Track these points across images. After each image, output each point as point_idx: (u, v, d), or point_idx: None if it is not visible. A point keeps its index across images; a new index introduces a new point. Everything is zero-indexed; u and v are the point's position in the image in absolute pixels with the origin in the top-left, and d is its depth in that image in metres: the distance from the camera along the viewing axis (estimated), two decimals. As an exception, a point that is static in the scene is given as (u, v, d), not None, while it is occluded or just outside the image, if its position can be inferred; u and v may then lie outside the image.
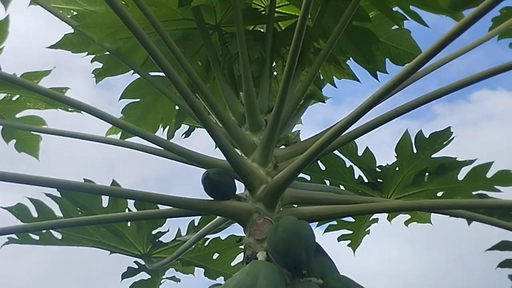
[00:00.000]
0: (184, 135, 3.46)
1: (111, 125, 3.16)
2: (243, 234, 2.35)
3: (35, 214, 2.92)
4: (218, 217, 2.86)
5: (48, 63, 3.08)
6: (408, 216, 3.30)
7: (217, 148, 2.40)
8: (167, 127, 3.29)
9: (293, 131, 2.84)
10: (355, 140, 2.89)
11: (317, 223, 3.08)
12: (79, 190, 2.71)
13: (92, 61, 3.04)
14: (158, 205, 2.65)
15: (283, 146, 2.73)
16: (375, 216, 3.27)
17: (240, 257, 3.26)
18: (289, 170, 2.28)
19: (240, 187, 2.45)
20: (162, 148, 2.74)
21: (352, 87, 3.17)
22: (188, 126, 3.45)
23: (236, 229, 2.64)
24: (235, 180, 2.43)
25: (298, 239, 2.02)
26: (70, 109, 3.13)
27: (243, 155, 2.55)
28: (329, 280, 2.09)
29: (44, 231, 2.94)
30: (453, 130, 2.86)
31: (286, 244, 2.02)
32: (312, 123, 3.68)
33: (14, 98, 3.24)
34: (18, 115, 3.31)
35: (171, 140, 3.26)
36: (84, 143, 2.87)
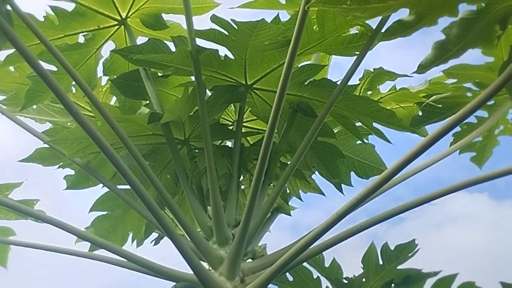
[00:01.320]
0: (153, 243, 3.47)
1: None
2: None
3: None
4: (185, 331, 2.84)
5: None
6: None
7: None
8: (136, 237, 3.30)
9: (260, 244, 2.86)
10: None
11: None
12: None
13: (63, 168, 3.10)
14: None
15: (250, 260, 2.75)
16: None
17: None
18: (256, 284, 2.31)
19: (207, 301, 2.46)
20: (130, 262, 2.74)
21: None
22: (157, 234, 3.46)
23: None
24: (203, 294, 2.43)
25: None
26: (39, 221, 3.13)
27: (210, 268, 2.56)
28: None
29: None
30: (417, 233, 2.92)
31: None
32: (281, 227, 3.71)
33: (-16, 210, 3.25)
34: (-13, 226, 3.30)
35: (139, 249, 3.29)
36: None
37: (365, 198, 2.10)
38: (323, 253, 3.00)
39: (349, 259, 3.13)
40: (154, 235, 3.42)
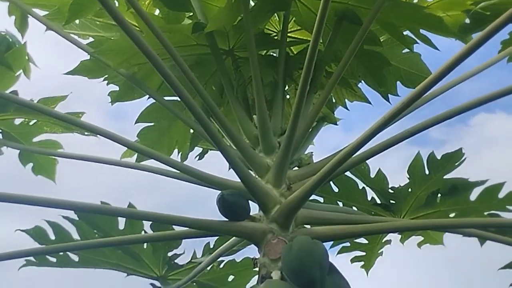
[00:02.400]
0: (197, 158, 3.50)
1: (124, 151, 3.24)
2: (258, 256, 2.37)
3: (52, 236, 2.94)
4: (233, 238, 2.88)
5: (61, 91, 3.14)
6: (420, 238, 3.32)
7: (231, 170, 2.43)
8: (181, 150, 3.34)
9: (306, 152, 2.87)
10: (368, 162, 2.93)
11: (330, 244, 3.10)
12: (96, 212, 2.75)
13: (108, 83, 3.11)
14: (174, 227, 2.69)
15: (296, 168, 2.75)
16: (388, 237, 3.29)
17: (255, 280, 3.27)
18: (302, 191, 2.31)
19: (254, 208, 2.48)
20: (177, 171, 2.78)
21: (362, 114, 3.22)
22: (201, 149, 3.49)
23: (251, 251, 2.66)
24: (249, 201, 2.46)
25: (312, 258, 2.04)
26: (86, 133, 3.17)
27: (257, 176, 2.58)
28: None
29: (61, 253, 2.97)
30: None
31: (300, 263, 2.04)
32: (323, 149, 3.71)
33: (31, 123, 3.28)
34: (35, 139, 3.35)
35: (185, 163, 3.31)
36: (99, 170, 2.92)
37: (412, 101, 2.06)
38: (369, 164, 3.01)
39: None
40: (198, 150, 3.45)
